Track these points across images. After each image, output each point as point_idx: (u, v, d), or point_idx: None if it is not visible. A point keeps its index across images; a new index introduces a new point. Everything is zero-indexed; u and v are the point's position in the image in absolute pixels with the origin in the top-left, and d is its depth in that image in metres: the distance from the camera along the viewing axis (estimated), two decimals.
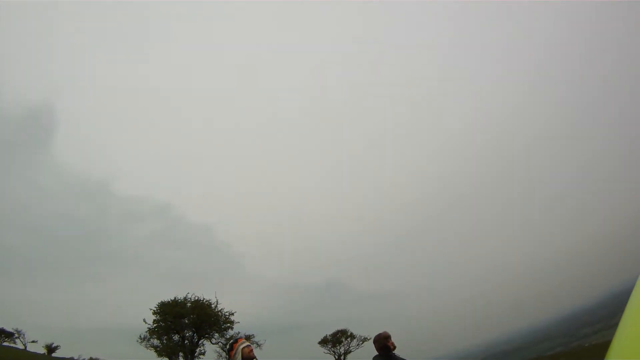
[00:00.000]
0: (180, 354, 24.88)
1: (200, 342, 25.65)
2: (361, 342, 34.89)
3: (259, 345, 29.30)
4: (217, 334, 26.41)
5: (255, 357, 4.61)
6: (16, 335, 39.65)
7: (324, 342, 35.30)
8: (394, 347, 5.08)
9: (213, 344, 27.01)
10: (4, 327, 39.95)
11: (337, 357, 34.74)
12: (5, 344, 38.67)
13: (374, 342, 5.12)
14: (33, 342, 39.57)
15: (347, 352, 34.79)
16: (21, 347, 38.57)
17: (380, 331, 5.14)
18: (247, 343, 4.68)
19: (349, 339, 35.21)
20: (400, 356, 5.17)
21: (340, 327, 36.20)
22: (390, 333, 4.77)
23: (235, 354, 4.55)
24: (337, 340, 35.12)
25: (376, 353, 5.12)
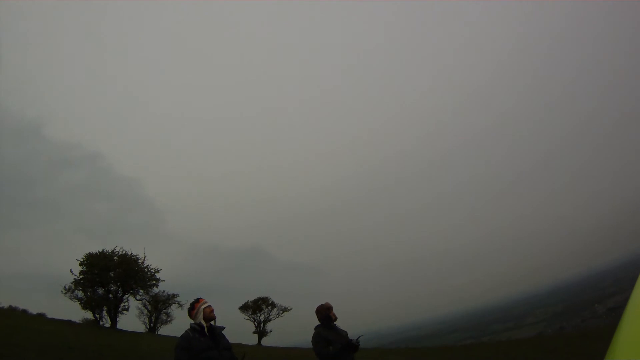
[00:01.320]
0: (105, 307, 23.58)
1: (125, 297, 24.38)
2: (281, 312, 35.58)
3: (180, 305, 28.70)
4: (142, 290, 25.18)
5: (215, 318, 4.58)
6: None
7: (244, 308, 35.25)
8: (335, 318, 5.25)
9: (137, 300, 25.84)
10: None
11: (256, 324, 35.18)
12: None
13: (317, 312, 5.28)
14: None
15: (267, 320, 35.26)
16: None
17: (318, 303, 5.32)
18: (208, 303, 4.62)
19: (269, 307, 35.64)
20: (341, 327, 5.30)
21: (261, 295, 36.63)
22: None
23: (196, 313, 4.50)
24: (257, 307, 35.30)
25: (317, 323, 5.27)
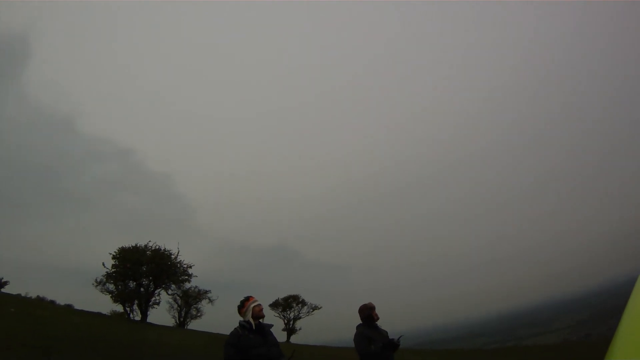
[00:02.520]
0: (136, 301, 23.60)
1: (156, 291, 24.41)
2: (311, 310, 35.05)
3: (211, 301, 28.56)
4: (173, 285, 25.18)
5: (264, 316, 4.72)
6: None
7: (275, 305, 34.98)
8: (377, 318, 5.37)
9: (169, 294, 25.83)
10: None
11: (286, 321, 34.78)
12: None
13: (359, 311, 5.39)
14: None
15: (296, 318, 34.83)
16: None
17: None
18: (258, 302, 4.74)
19: (299, 305, 35.21)
20: (382, 327, 5.44)
21: (291, 293, 36.21)
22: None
23: (246, 311, 4.62)
24: (288, 305, 34.96)
25: (359, 322, 5.38)
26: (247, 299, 4.73)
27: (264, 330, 4.60)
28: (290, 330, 34.26)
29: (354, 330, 5.38)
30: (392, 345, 5.05)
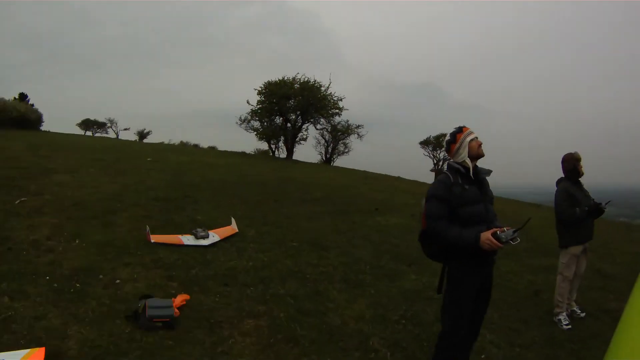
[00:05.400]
0: (282, 137, 23.04)
1: (304, 126, 23.29)
2: None
3: (360, 136, 26.74)
4: (323, 119, 23.55)
5: (484, 155, 2.81)
6: (108, 125, 38.31)
7: (426, 143, 31.99)
8: (583, 174, 4.45)
9: (317, 129, 24.27)
10: (96, 118, 38.41)
11: (435, 161, 32.27)
12: (97, 134, 37.07)
13: (563, 162, 4.50)
14: (125, 129, 38.22)
15: (446, 159, 32.09)
16: (113, 136, 36.62)
17: (571, 151, 4.51)
18: (475, 134, 2.83)
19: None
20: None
21: (438, 132, 32.61)
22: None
23: (458, 147, 2.80)
24: (439, 143, 31.93)
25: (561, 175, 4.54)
26: (460, 130, 2.84)
27: (481, 179, 2.83)
28: (438, 172, 31.99)
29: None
30: (598, 210, 4.24)
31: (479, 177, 2.82)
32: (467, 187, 2.72)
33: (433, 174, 31.94)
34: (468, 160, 2.77)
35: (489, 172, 2.91)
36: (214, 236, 5.89)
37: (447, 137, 2.88)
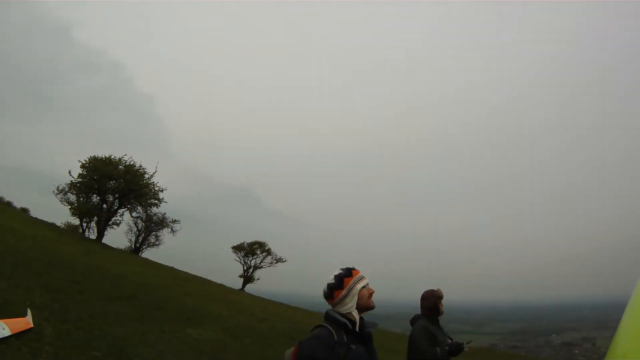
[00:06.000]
0: (95, 218, 21.14)
1: (120, 210, 21.89)
2: (274, 262, 33.36)
3: (173, 231, 26.33)
4: (140, 208, 22.78)
5: (374, 307, 2.34)
6: None
7: (239, 248, 33.03)
8: (442, 313, 4.15)
9: (132, 217, 23.06)
10: None
11: (245, 268, 33.16)
12: None
13: (423, 298, 4.17)
14: None
15: (257, 267, 33.27)
16: None
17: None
18: (367, 281, 2.35)
19: (264, 254, 33.50)
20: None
21: (253, 239, 34.07)
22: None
23: (345, 296, 2.27)
24: (252, 251, 33.09)
25: (417, 313, 4.15)
26: (350, 273, 2.35)
27: (367, 335, 2.31)
28: (247, 278, 32.77)
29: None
30: (459, 349, 3.93)
31: (365, 333, 2.29)
32: (352, 346, 2.18)
33: (242, 280, 32.55)
34: (355, 313, 2.26)
35: (375, 324, 2.38)
36: (3, 329, 5.35)
37: (332, 281, 2.34)
